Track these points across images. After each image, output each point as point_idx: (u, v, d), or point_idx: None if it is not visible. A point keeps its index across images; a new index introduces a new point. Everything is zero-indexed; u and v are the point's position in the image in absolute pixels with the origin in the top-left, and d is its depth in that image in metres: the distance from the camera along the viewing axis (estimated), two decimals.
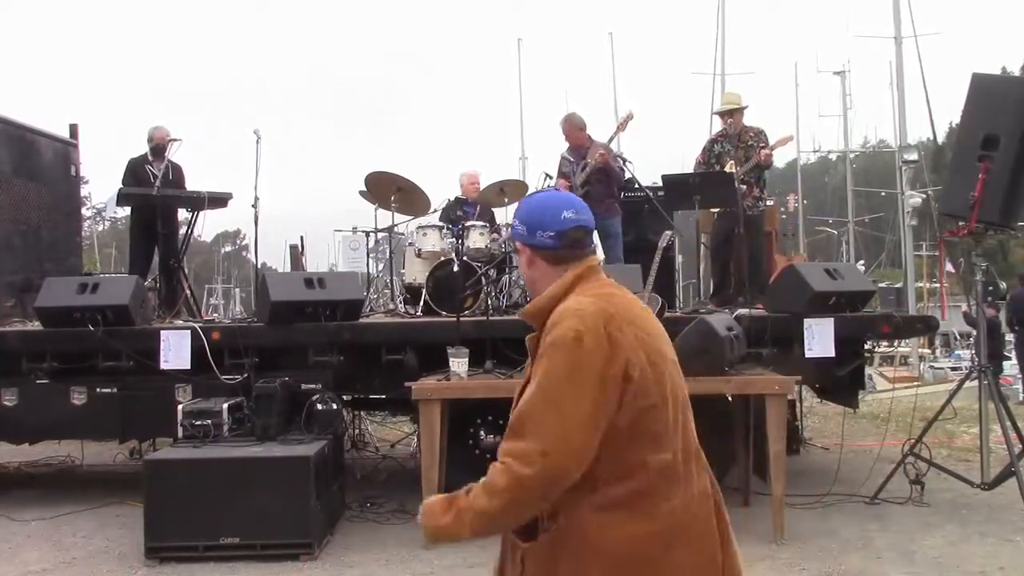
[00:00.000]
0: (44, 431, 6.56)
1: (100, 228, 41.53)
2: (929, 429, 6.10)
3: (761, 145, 7.35)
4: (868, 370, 9.95)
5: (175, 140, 7.72)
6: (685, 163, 8.16)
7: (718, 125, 8.07)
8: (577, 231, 1.98)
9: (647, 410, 1.88)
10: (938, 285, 22.58)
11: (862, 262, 32.66)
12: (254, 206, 7.20)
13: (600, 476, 1.85)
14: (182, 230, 7.83)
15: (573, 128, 7.78)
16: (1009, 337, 14.06)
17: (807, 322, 5.92)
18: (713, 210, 7.50)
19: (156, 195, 7.32)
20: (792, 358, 5.97)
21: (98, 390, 6.17)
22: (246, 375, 5.96)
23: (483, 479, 1.88)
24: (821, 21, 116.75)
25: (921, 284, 27.24)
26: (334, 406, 5.71)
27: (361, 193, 7.76)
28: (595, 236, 2.03)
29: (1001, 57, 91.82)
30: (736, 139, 7.46)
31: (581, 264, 1.99)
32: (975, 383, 5.96)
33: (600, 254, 7.67)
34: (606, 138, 7.89)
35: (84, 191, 19.62)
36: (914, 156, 20.83)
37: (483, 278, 6.76)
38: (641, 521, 1.86)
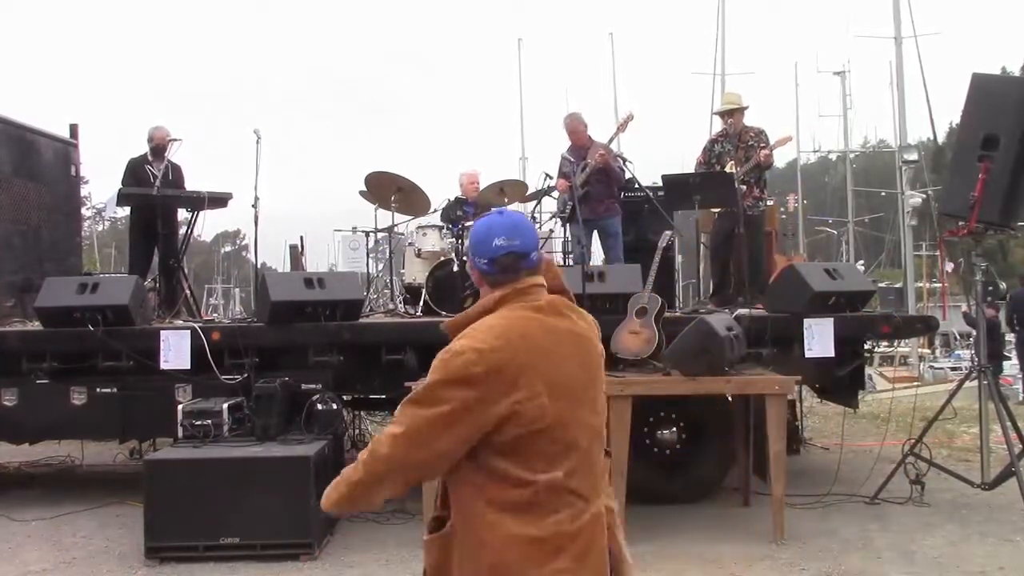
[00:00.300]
0: (44, 431, 6.55)
1: (100, 228, 41.53)
2: (929, 429, 6.11)
3: (761, 145, 7.35)
4: (868, 370, 9.95)
5: (175, 140, 7.73)
6: (685, 163, 8.18)
7: (718, 125, 8.08)
8: (507, 257, 2.08)
9: (537, 432, 1.96)
10: (938, 285, 22.60)
11: (862, 262, 32.67)
12: (254, 206, 7.21)
13: (491, 482, 1.97)
14: (182, 230, 7.83)
15: (579, 125, 7.80)
16: (1009, 337, 14.07)
17: (807, 322, 5.92)
18: (713, 210, 7.51)
19: (156, 195, 7.32)
20: (792, 358, 5.98)
21: (98, 390, 6.17)
22: (246, 375, 5.97)
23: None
24: (821, 21, 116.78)
25: (921, 284, 27.24)
26: (334, 406, 5.71)
27: (361, 193, 7.76)
28: (533, 257, 2.12)
29: (1001, 57, 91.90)
30: (736, 139, 7.45)
31: (508, 287, 2.09)
32: (975, 383, 5.96)
33: (593, 258, 7.68)
34: (606, 138, 7.90)
35: (84, 191, 19.61)
36: (914, 156, 20.80)
37: None
38: (527, 527, 1.96)
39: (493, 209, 2.81)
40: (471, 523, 1.99)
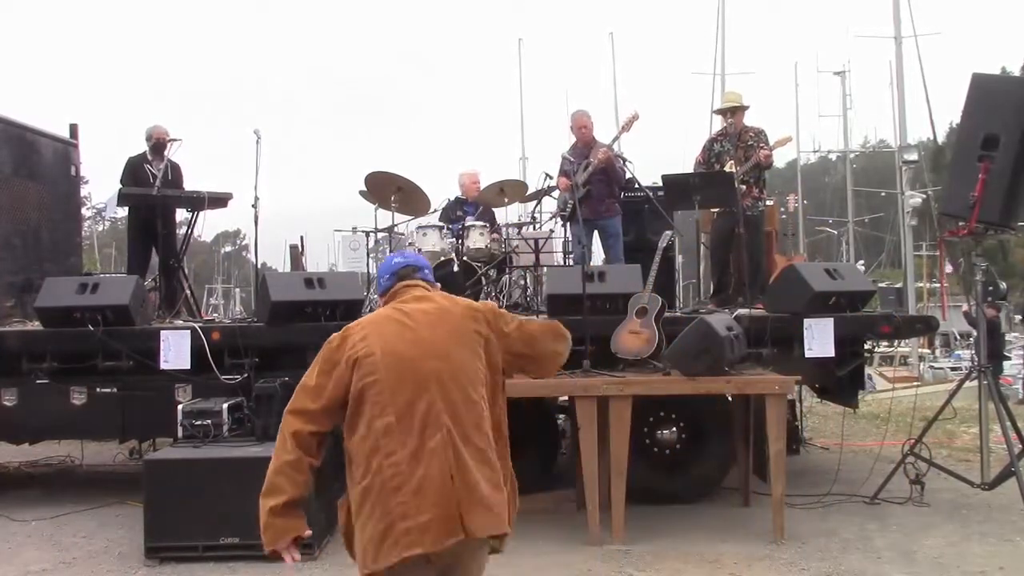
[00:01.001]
0: (44, 431, 6.56)
1: (100, 228, 41.55)
2: (929, 429, 6.11)
3: (761, 145, 7.35)
4: (868, 370, 9.95)
5: (175, 140, 7.73)
6: (685, 163, 8.16)
7: (718, 125, 8.07)
8: (404, 268, 2.80)
9: (372, 383, 2.50)
10: (938, 285, 22.58)
11: (862, 262, 32.67)
12: (254, 206, 7.20)
13: (351, 434, 2.59)
14: (182, 230, 7.83)
15: (587, 120, 7.82)
16: (1010, 337, 14.05)
17: (807, 322, 5.92)
18: (712, 210, 7.51)
19: (156, 195, 7.32)
20: (792, 358, 5.98)
21: (98, 390, 6.18)
22: (246, 375, 5.97)
23: None
24: (821, 21, 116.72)
25: (921, 284, 27.24)
26: None
27: (361, 193, 7.75)
28: (427, 272, 2.85)
29: (1001, 57, 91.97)
30: (736, 139, 7.45)
31: (388, 295, 2.77)
32: (975, 383, 5.96)
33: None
34: (609, 138, 7.91)
35: (84, 191, 19.60)
36: (914, 156, 20.81)
37: (483, 278, 6.76)
38: (370, 471, 2.48)
39: None
40: (348, 471, 2.60)
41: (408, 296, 2.70)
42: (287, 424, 2.64)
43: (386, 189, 7.45)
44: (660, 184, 7.68)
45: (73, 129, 8.74)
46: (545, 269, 7.38)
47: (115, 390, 6.17)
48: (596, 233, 7.75)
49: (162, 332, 6.11)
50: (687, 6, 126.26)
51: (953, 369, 23.57)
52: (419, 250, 7.12)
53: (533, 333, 2.83)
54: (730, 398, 5.73)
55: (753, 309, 6.39)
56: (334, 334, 2.63)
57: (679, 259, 9.40)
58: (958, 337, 29.83)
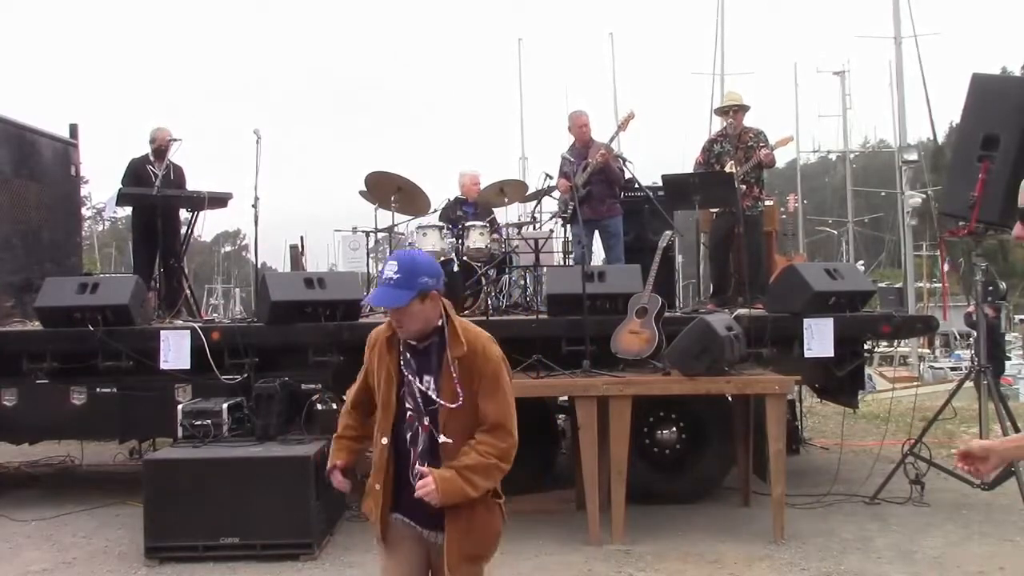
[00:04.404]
0: (44, 431, 6.56)
1: (100, 228, 41.56)
2: (929, 429, 6.11)
3: (761, 145, 7.35)
4: (868, 370, 9.94)
5: (175, 140, 7.73)
6: (685, 163, 8.17)
7: (718, 125, 8.07)
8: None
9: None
10: (939, 285, 22.58)
11: (862, 262, 32.63)
12: (254, 206, 7.20)
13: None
14: (183, 230, 7.82)
15: (586, 119, 7.82)
16: (1009, 337, 14.03)
17: (807, 322, 5.92)
18: (712, 210, 7.51)
19: (156, 195, 7.32)
20: (792, 358, 5.98)
21: (98, 390, 6.17)
22: (246, 375, 5.97)
23: None
24: (821, 21, 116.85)
25: (921, 284, 27.23)
26: (334, 406, 5.71)
27: (361, 193, 7.75)
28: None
29: (1001, 57, 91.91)
30: (736, 139, 7.46)
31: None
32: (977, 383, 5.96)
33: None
34: (607, 138, 7.91)
35: (84, 191, 19.60)
36: (914, 156, 20.79)
37: (483, 278, 6.76)
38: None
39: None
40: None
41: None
42: None
43: (386, 189, 7.45)
44: (660, 184, 7.69)
45: (73, 129, 8.75)
46: (545, 269, 7.39)
47: (115, 390, 6.16)
48: (597, 233, 7.75)
49: (162, 332, 6.11)
50: (687, 6, 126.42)
51: (953, 369, 23.54)
52: (419, 250, 7.13)
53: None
54: (730, 398, 5.73)
55: (753, 309, 6.40)
56: (500, 351, 2.79)
57: (679, 259, 9.40)
58: (958, 337, 29.81)
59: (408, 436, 2.70)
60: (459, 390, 2.64)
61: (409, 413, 2.70)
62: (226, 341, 6.07)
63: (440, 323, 2.70)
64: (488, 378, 2.67)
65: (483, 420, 2.66)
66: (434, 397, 2.67)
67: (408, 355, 2.73)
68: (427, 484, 2.57)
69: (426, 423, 2.68)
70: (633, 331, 5.67)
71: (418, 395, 2.68)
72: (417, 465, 2.67)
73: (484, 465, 2.61)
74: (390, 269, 2.65)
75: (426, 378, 2.69)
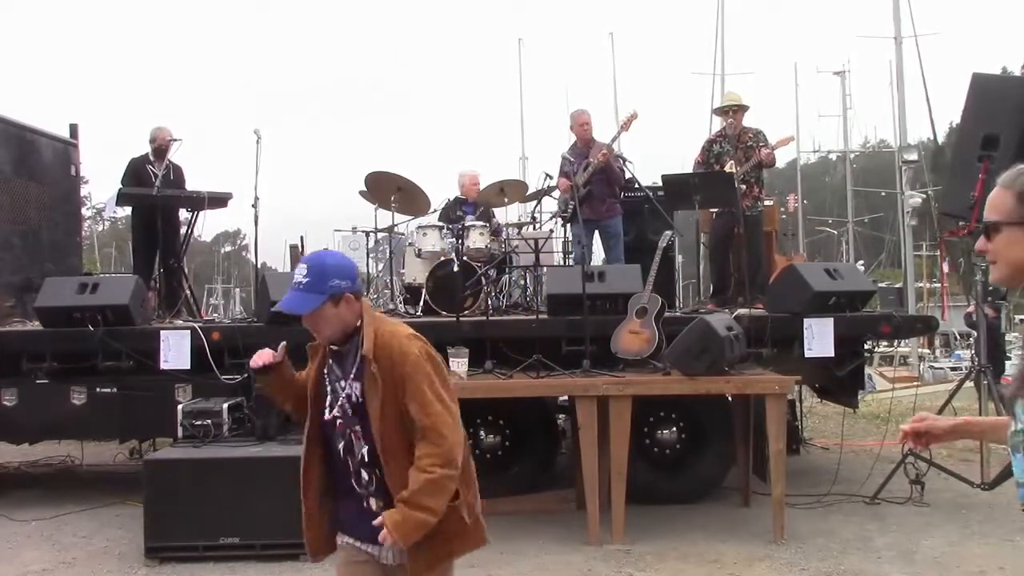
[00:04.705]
0: (44, 431, 6.55)
1: (100, 228, 41.59)
2: None
3: (761, 144, 7.35)
4: (868, 370, 9.94)
5: (175, 140, 7.73)
6: (685, 163, 8.15)
7: (718, 125, 8.07)
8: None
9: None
10: (939, 285, 22.56)
11: (862, 262, 32.64)
12: (254, 206, 7.20)
13: None
14: (183, 230, 7.82)
15: (588, 118, 7.82)
16: (1009, 337, 14.02)
17: (807, 322, 5.92)
18: (712, 210, 7.51)
19: (156, 195, 7.32)
20: (792, 358, 5.98)
21: (98, 390, 6.17)
22: (246, 375, 5.95)
23: None
24: (821, 21, 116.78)
25: (921, 284, 27.22)
26: None
27: (361, 193, 7.75)
28: None
29: (1001, 57, 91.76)
30: (735, 140, 7.46)
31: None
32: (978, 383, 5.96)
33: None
34: (608, 138, 7.91)
35: (84, 191, 19.61)
36: (914, 156, 20.78)
37: (483, 278, 6.76)
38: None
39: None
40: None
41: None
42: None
43: (386, 189, 7.45)
44: (660, 184, 7.69)
45: (73, 129, 8.75)
46: (545, 269, 7.39)
47: (115, 390, 6.16)
48: (597, 233, 7.75)
49: (162, 332, 6.11)
50: (687, 6, 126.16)
51: (953, 369, 23.51)
52: (419, 250, 7.14)
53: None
54: (730, 398, 5.73)
55: (753, 309, 6.40)
56: (424, 346, 2.61)
57: (679, 259, 9.40)
58: (958, 337, 29.80)
59: (341, 446, 2.60)
60: (381, 391, 2.50)
61: (339, 421, 2.59)
62: (226, 341, 6.07)
63: (359, 324, 2.60)
64: (408, 378, 2.51)
65: (415, 425, 2.51)
66: (359, 402, 2.55)
67: (331, 361, 2.64)
68: (384, 537, 2.45)
69: (358, 431, 2.57)
70: (633, 331, 5.67)
71: (345, 402, 2.58)
72: (361, 471, 2.58)
73: (430, 482, 2.46)
74: (299, 273, 2.58)
75: (353, 384, 2.57)
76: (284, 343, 2.76)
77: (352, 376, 2.58)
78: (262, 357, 2.71)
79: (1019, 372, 1.75)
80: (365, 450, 2.57)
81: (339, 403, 2.60)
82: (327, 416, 2.63)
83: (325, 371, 2.65)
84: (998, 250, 1.74)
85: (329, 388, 2.64)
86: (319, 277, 2.56)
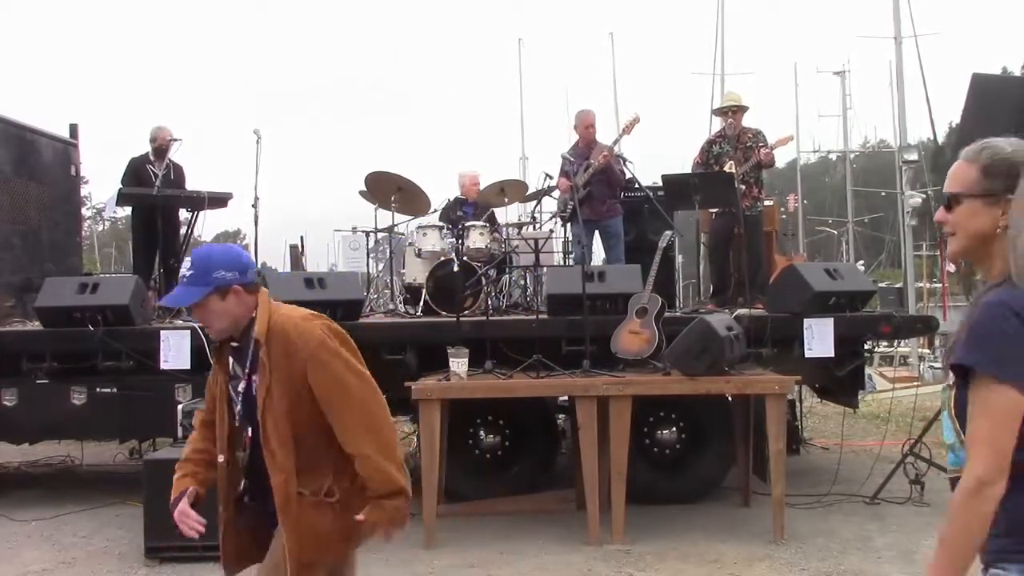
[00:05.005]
0: (44, 431, 6.55)
1: (100, 228, 41.57)
2: (929, 429, 6.10)
3: (760, 144, 7.35)
4: (868, 370, 9.95)
5: (176, 140, 7.73)
6: (685, 163, 8.15)
7: (718, 125, 8.06)
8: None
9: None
10: (939, 285, 22.55)
11: (862, 262, 32.62)
12: (254, 206, 7.20)
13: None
14: (182, 230, 7.82)
15: (593, 119, 7.83)
16: None
17: (807, 322, 5.92)
18: (712, 210, 7.51)
19: (156, 195, 7.32)
20: (792, 358, 5.98)
21: (98, 390, 6.17)
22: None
23: None
24: (821, 21, 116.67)
25: (921, 284, 27.21)
26: None
27: (361, 193, 7.76)
28: None
29: (1001, 57, 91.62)
30: (735, 140, 7.46)
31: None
32: None
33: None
34: (610, 140, 7.90)
35: (84, 191, 19.61)
36: (914, 156, 20.76)
37: (483, 278, 6.76)
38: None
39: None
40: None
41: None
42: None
43: (386, 189, 7.45)
44: (660, 184, 7.69)
45: (73, 129, 8.75)
46: (545, 269, 7.39)
47: (115, 390, 6.16)
48: (597, 233, 7.75)
49: (162, 332, 6.10)
50: (687, 6, 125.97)
51: None
52: (419, 250, 7.14)
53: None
54: (730, 398, 5.73)
55: (753, 309, 6.40)
56: (325, 323, 2.54)
57: (679, 259, 9.40)
58: None
59: (249, 452, 2.54)
60: (269, 377, 2.40)
61: (239, 421, 2.52)
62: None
63: (253, 316, 2.49)
64: (314, 358, 2.42)
65: (331, 410, 2.46)
66: (254, 395, 2.46)
67: (231, 357, 2.55)
68: (378, 533, 2.50)
69: (249, 432, 2.49)
70: (633, 331, 5.67)
71: (242, 398, 2.50)
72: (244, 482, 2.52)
73: (382, 474, 2.48)
74: (184, 266, 2.56)
75: (252, 377, 2.47)
76: (190, 489, 2.68)
77: (248, 369, 2.50)
78: (190, 527, 2.61)
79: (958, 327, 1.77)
80: (249, 454, 2.53)
81: (238, 407, 2.54)
82: (237, 424, 2.57)
83: (230, 377, 2.57)
84: (958, 221, 1.76)
85: (232, 394, 2.56)
86: (203, 269, 2.45)
